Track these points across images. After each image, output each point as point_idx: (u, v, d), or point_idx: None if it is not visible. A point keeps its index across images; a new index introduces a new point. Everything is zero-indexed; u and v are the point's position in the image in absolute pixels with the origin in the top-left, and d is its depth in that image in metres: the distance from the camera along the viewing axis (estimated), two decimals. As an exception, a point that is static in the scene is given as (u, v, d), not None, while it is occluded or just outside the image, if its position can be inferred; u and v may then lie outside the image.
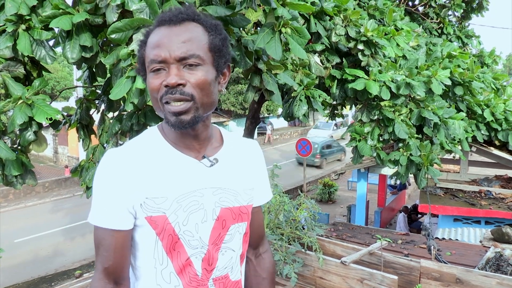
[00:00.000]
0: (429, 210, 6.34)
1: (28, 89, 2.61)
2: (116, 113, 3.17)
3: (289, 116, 4.15)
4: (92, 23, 2.51)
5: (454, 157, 7.29)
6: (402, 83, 4.34)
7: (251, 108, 5.29)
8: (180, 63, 0.97)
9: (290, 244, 3.71)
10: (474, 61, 7.03)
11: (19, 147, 2.85)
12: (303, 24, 3.84)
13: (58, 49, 2.72)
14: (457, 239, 5.71)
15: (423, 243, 4.90)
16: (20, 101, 2.56)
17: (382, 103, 4.55)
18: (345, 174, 14.87)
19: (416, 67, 4.88)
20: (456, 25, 9.04)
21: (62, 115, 2.95)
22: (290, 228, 3.76)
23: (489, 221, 6.69)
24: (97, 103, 3.40)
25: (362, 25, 4.26)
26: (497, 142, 6.28)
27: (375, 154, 4.66)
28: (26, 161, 2.86)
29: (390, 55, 4.72)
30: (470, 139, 5.63)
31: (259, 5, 2.83)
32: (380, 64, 4.48)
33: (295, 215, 3.76)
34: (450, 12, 8.76)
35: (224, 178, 1.11)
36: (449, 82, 4.77)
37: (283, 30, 2.74)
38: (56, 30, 2.57)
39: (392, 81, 4.36)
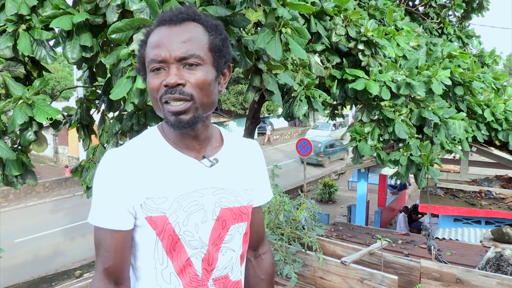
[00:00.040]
0: (429, 210, 6.34)
1: (28, 89, 2.61)
2: (116, 113, 3.17)
3: (290, 116, 4.15)
4: (93, 23, 2.51)
5: (454, 157, 7.29)
6: (402, 83, 4.34)
7: (251, 108, 5.29)
8: (180, 63, 0.97)
9: (290, 244, 3.71)
10: (475, 61, 7.03)
11: (20, 147, 2.85)
12: (303, 24, 3.84)
13: (59, 49, 2.72)
14: (457, 239, 5.71)
15: (423, 243, 4.89)
16: (21, 101, 2.56)
17: (382, 103, 4.55)
18: (345, 174, 14.87)
19: (417, 67, 4.88)
20: (457, 25, 9.04)
21: (63, 115, 2.95)
22: (290, 228, 3.76)
23: (489, 221, 6.69)
24: (98, 103, 3.40)
25: (362, 25, 4.26)
26: (497, 142, 6.28)
27: (375, 154, 4.66)
28: (27, 161, 2.86)
29: (391, 55, 4.72)
30: (470, 139, 5.63)
31: (259, 5, 2.83)
32: (380, 64, 4.48)
33: (295, 215, 3.76)
34: (450, 12, 8.76)
35: (224, 178, 1.11)
36: (449, 82, 4.77)
37: (283, 30, 2.73)
38: (57, 30, 2.57)
39: (392, 81, 4.36)
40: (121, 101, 2.96)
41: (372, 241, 4.84)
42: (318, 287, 3.62)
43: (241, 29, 2.88)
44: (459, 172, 7.99)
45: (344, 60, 4.45)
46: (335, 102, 5.25)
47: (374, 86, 4.22)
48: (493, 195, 7.02)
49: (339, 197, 12.95)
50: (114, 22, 2.24)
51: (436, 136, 4.68)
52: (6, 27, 2.45)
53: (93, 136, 3.46)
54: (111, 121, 3.18)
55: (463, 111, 5.47)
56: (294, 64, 4.10)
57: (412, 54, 5.23)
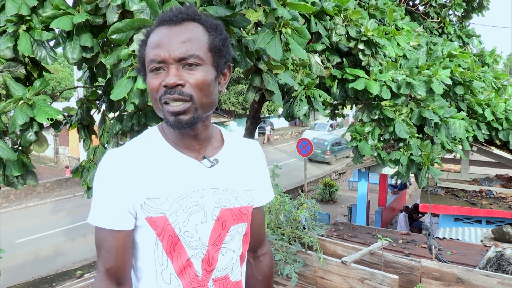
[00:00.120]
0: (430, 209, 6.34)
1: (29, 90, 2.61)
2: (116, 113, 3.17)
3: (290, 116, 4.15)
4: (93, 24, 2.51)
5: (455, 156, 7.28)
6: (402, 82, 4.34)
7: (252, 108, 5.30)
8: (179, 63, 0.97)
9: (290, 244, 3.71)
10: (475, 61, 7.02)
11: (20, 148, 2.85)
12: (304, 24, 3.83)
13: (59, 50, 2.72)
14: (458, 239, 5.71)
15: (424, 242, 4.89)
16: (21, 101, 2.57)
17: (382, 103, 4.55)
18: (345, 174, 14.88)
19: (417, 67, 4.88)
20: (457, 25, 9.03)
21: (63, 115, 2.95)
22: (291, 228, 3.76)
23: (490, 220, 6.69)
24: (98, 104, 3.40)
25: (362, 24, 4.25)
26: (498, 142, 6.28)
27: (375, 154, 4.66)
28: (27, 161, 2.86)
29: (391, 55, 4.72)
30: (470, 139, 5.63)
31: (260, 5, 2.83)
32: (380, 64, 4.48)
33: (296, 215, 3.76)
34: (450, 12, 8.75)
35: (224, 179, 1.10)
36: (449, 82, 4.77)
37: (283, 30, 2.73)
38: (57, 30, 2.57)
39: (392, 80, 4.36)
40: (122, 102, 2.97)
41: (373, 240, 4.84)
42: (319, 287, 3.62)
43: (241, 29, 2.88)
44: (459, 172, 7.99)
45: (344, 59, 4.45)
46: (335, 102, 5.26)
47: (375, 85, 4.22)
48: (493, 194, 7.02)
49: (339, 197, 12.95)
50: (114, 23, 2.24)
51: (437, 136, 4.68)
52: (7, 28, 2.45)
53: (93, 137, 3.46)
54: (112, 121, 3.18)
55: (463, 110, 5.47)
56: (294, 64, 4.10)
57: (413, 53, 5.23)
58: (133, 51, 2.25)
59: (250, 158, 1.20)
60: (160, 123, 1.14)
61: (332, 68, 4.50)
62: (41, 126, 2.69)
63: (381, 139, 4.66)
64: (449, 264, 3.62)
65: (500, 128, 5.91)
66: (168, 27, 1.00)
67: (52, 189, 13.74)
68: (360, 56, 4.33)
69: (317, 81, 4.30)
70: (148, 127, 2.74)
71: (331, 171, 16.45)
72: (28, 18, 2.49)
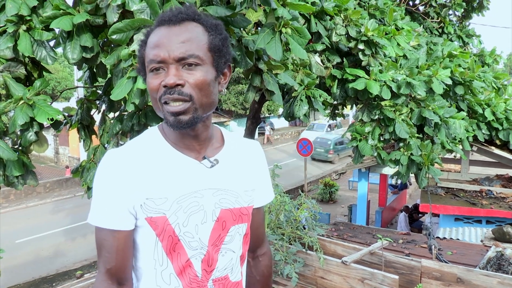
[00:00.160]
0: (430, 209, 6.33)
1: (29, 90, 2.61)
2: (117, 114, 3.17)
3: (290, 116, 4.15)
4: (93, 24, 2.51)
5: (455, 156, 7.28)
6: (402, 82, 4.34)
7: (252, 108, 5.30)
8: (179, 63, 0.97)
9: (291, 244, 3.71)
10: (475, 61, 7.02)
11: (20, 148, 2.85)
12: (304, 24, 3.84)
13: (59, 50, 2.72)
14: (458, 239, 5.71)
15: (424, 242, 4.89)
16: (21, 101, 2.57)
17: (382, 103, 4.55)
18: (346, 174, 14.87)
19: (417, 67, 4.88)
20: (457, 25, 9.03)
21: (63, 115, 2.95)
22: (291, 228, 3.76)
23: (490, 220, 6.69)
24: (98, 104, 3.40)
25: (362, 24, 4.25)
26: (498, 142, 6.28)
27: (375, 154, 4.66)
28: (27, 161, 2.86)
29: (391, 55, 4.72)
30: (471, 139, 5.63)
31: (260, 5, 2.83)
32: (380, 64, 4.48)
33: (296, 215, 3.76)
34: (450, 12, 8.76)
35: (225, 179, 1.10)
36: (449, 82, 4.77)
37: (283, 30, 2.73)
38: (57, 30, 2.57)
39: (392, 80, 4.36)
40: (122, 102, 2.97)
41: (373, 240, 4.84)
42: (319, 287, 3.62)
43: (242, 29, 2.88)
44: (459, 172, 7.98)
45: (344, 59, 4.45)
46: (335, 102, 5.26)
47: (375, 85, 4.22)
48: (493, 194, 7.02)
49: (339, 197, 12.95)
50: (114, 23, 2.24)
51: (437, 136, 4.68)
52: (7, 28, 2.46)
53: (93, 137, 3.46)
54: (112, 121, 3.18)
55: (463, 110, 5.46)
56: (294, 64, 4.10)
57: (413, 53, 5.23)
58: (133, 51, 2.25)
59: (251, 158, 1.20)
60: (160, 123, 1.14)
61: (332, 68, 4.51)
62: (41, 126, 2.70)
63: (381, 139, 4.67)
64: (449, 264, 3.62)
65: (500, 128, 5.91)
66: (167, 27, 1.00)
67: (52, 189, 13.74)
68: (360, 56, 4.33)
69: (317, 81, 4.30)
70: (148, 127, 2.74)
71: (331, 171, 16.45)
72: (28, 18, 2.49)
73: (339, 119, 6.56)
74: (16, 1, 2.43)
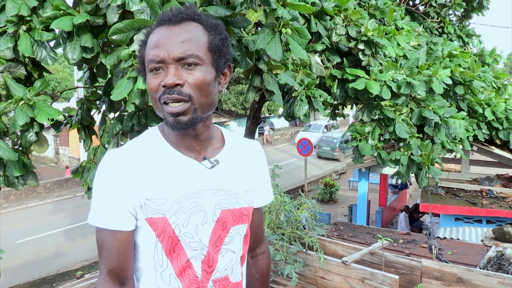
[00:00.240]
0: (430, 209, 6.33)
1: (29, 90, 2.61)
2: (117, 114, 3.18)
3: (290, 116, 4.15)
4: (93, 24, 2.51)
5: (455, 156, 7.28)
6: (402, 82, 4.34)
7: (252, 108, 5.30)
8: (178, 63, 0.97)
9: (291, 244, 3.71)
10: (475, 60, 7.02)
11: (21, 148, 2.86)
12: (304, 24, 3.84)
13: (59, 50, 2.72)
14: (458, 239, 5.71)
15: (424, 242, 4.89)
16: (22, 102, 2.57)
17: (382, 103, 4.55)
18: (346, 174, 14.86)
19: (417, 67, 4.88)
20: (457, 24, 9.03)
21: (63, 116, 2.96)
22: (291, 228, 3.76)
23: (490, 220, 6.69)
24: (98, 104, 3.40)
25: (362, 24, 4.25)
26: (498, 141, 6.28)
27: (376, 154, 4.66)
28: (28, 162, 2.87)
29: (391, 55, 4.72)
30: (471, 138, 5.62)
31: (260, 6, 2.83)
32: (380, 64, 4.48)
33: (296, 215, 3.76)
34: (450, 12, 8.76)
35: (225, 180, 1.10)
36: (449, 82, 4.77)
37: (283, 30, 2.74)
38: (57, 31, 2.57)
39: (392, 80, 4.36)
40: (122, 102, 2.97)
41: (373, 240, 4.84)
42: (319, 287, 3.62)
43: (242, 29, 2.88)
44: (460, 171, 7.98)
45: (344, 59, 4.45)
46: (335, 102, 5.26)
47: (375, 85, 4.22)
48: (494, 194, 7.02)
49: (340, 196, 12.95)
50: (114, 23, 2.24)
51: (437, 136, 4.68)
52: (7, 28, 2.46)
53: (94, 137, 3.46)
54: (112, 121, 3.18)
55: (463, 110, 5.46)
56: (294, 64, 4.10)
57: (413, 53, 5.23)
58: (134, 51, 2.25)
59: (251, 158, 1.20)
60: (161, 123, 1.13)
61: (332, 68, 4.51)
62: (41, 126, 2.70)
63: (381, 139, 4.67)
64: (449, 264, 3.62)
65: (500, 127, 5.91)
66: (167, 27, 1.00)
67: (53, 189, 13.74)
68: (360, 56, 4.33)
69: (317, 81, 4.30)
70: (149, 127, 2.74)
71: (331, 171, 16.45)
72: (28, 18, 2.49)
73: (338, 119, 6.55)
74: (16, 1, 2.43)
